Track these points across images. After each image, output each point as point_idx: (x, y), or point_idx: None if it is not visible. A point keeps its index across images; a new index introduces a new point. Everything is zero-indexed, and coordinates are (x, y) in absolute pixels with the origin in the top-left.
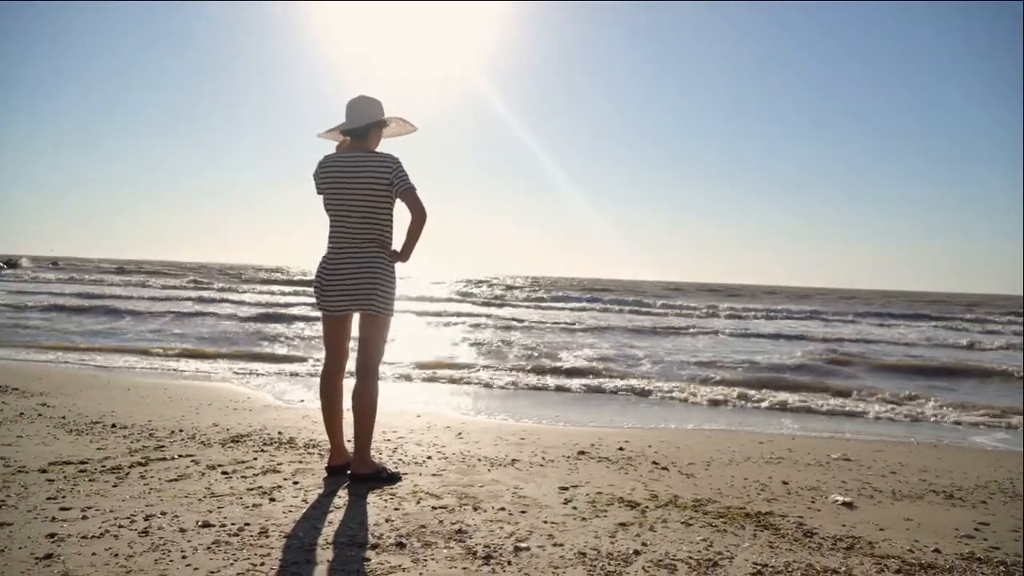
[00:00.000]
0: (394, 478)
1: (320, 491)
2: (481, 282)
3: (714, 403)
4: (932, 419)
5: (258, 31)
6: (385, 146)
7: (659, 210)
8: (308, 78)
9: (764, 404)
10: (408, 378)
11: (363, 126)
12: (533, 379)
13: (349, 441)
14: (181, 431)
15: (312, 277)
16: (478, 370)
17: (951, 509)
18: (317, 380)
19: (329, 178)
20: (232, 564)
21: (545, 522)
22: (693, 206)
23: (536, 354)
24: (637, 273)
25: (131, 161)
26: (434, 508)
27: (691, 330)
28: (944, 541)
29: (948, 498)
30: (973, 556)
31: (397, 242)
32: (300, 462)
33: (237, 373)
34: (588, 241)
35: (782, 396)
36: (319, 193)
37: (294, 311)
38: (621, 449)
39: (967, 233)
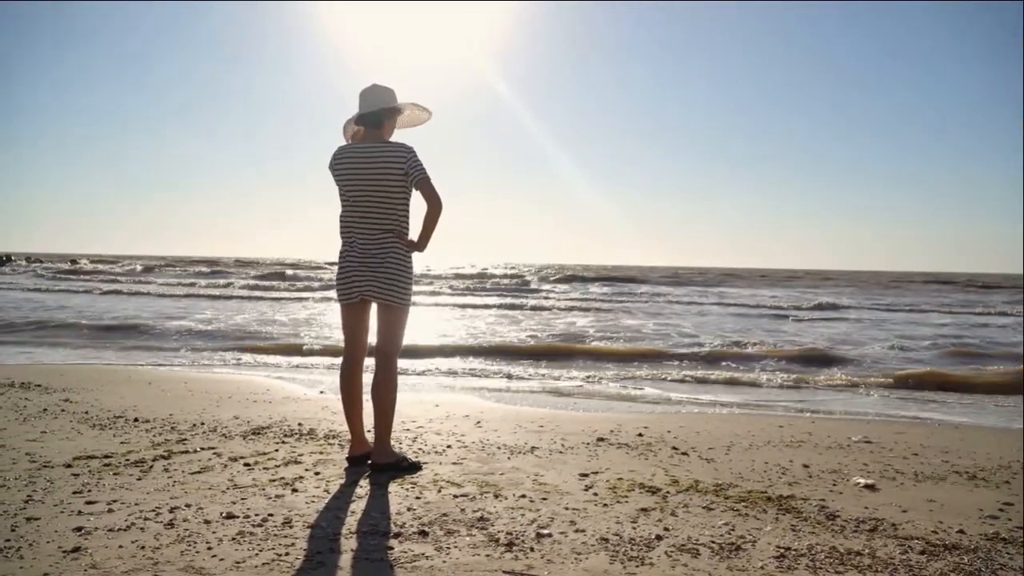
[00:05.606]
0: (415, 467)
1: (342, 481)
2: (487, 271)
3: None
4: None
5: (261, 23)
6: (398, 135)
7: (669, 197)
8: (312, 70)
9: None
10: (425, 369)
11: (376, 111)
12: (556, 372)
13: (369, 431)
14: (202, 424)
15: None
16: (495, 357)
17: (974, 490)
18: (336, 371)
19: (344, 169)
20: (257, 554)
21: (566, 508)
22: (703, 193)
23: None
24: (646, 259)
25: (125, 159)
26: (455, 496)
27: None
28: (968, 522)
29: (971, 479)
30: (998, 536)
31: (414, 232)
32: (321, 453)
33: (257, 364)
34: (595, 228)
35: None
36: (336, 181)
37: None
38: (640, 435)
39: (968, 213)
